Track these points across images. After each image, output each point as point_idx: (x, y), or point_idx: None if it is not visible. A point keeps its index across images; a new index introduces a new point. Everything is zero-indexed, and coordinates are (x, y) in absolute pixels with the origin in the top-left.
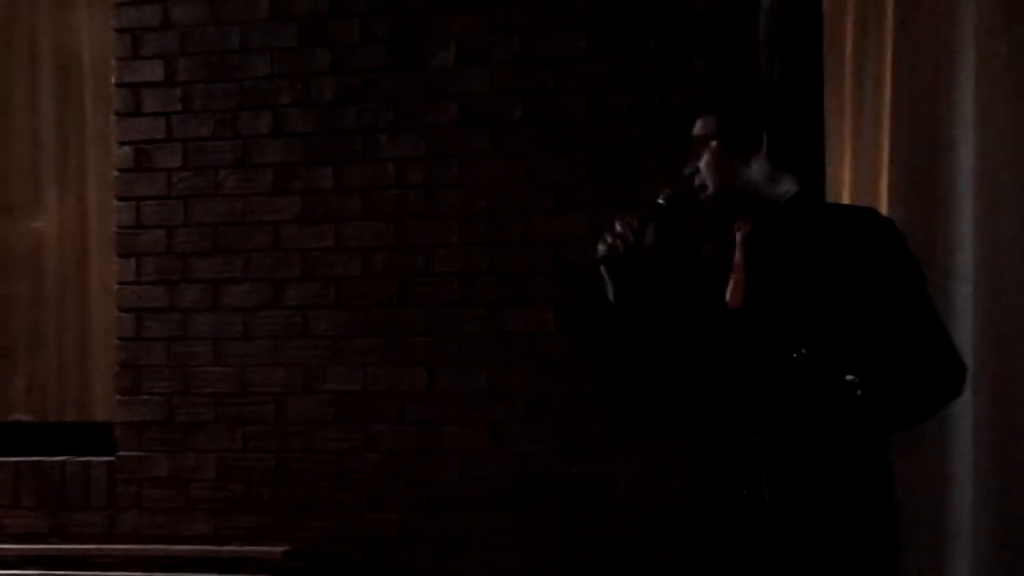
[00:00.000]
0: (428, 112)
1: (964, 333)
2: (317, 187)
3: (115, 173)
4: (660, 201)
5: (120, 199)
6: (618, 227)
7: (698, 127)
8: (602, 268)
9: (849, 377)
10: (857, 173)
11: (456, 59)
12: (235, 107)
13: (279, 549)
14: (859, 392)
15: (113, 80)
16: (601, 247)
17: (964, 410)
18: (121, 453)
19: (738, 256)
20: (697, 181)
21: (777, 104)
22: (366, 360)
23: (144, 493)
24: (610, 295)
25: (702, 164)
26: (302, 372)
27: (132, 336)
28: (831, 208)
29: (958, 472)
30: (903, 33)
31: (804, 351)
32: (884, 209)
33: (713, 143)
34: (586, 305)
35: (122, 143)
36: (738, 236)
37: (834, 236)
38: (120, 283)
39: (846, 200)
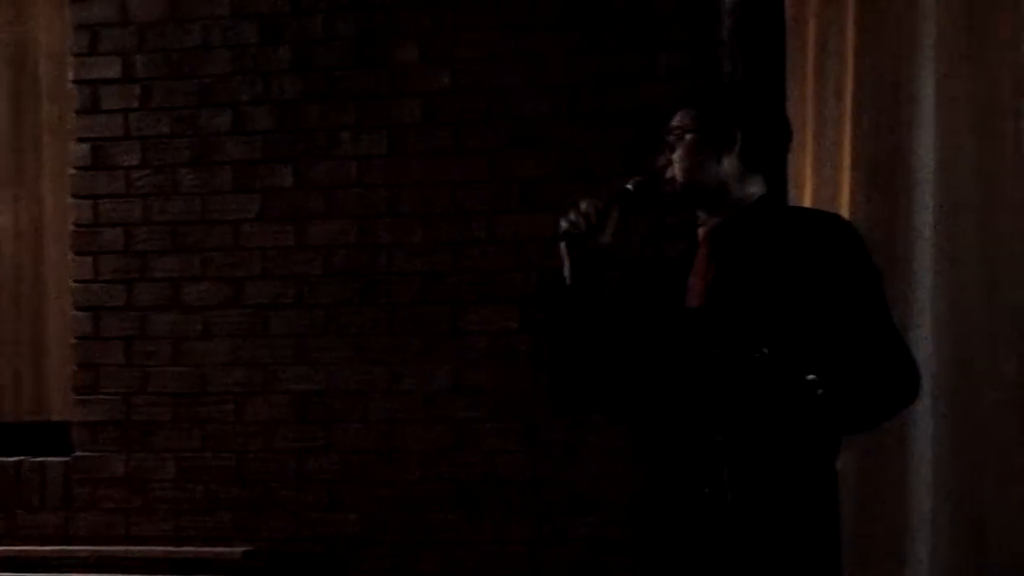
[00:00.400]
0: (391, 110)
1: (924, 331)
2: (278, 185)
3: (72, 171)
4: (628, 187)
5: (77, 197)
6: (582, 205)
7: (676, 119)
8: (562, 244)
9: (811, 377)
10: (819, 172)
11: (420, 57)
12: (195, 105)
13: (239, 550)
14: (820, 392)
15: (71, 77)
16: (563, 223)
17: (924, 410)
18: (78, 453)
19: (700, 254)
20: (669, 173)
21: (754, 106)
22: (327, 359)
23: (101, 494)
24: (566, 272)
25: (676, 156)
26: (262, 371)
27: (89, 335)
28: (796, 211)
29: (917, 472)
30: (864, 34)
31: (766, 351)
32: (845, 208)
33: (689, 136)
34: (543, 282)
35: (80, 140)
36: (700, 232)
37: (798, 239)
38: (77, 282)
39: (808, 199)
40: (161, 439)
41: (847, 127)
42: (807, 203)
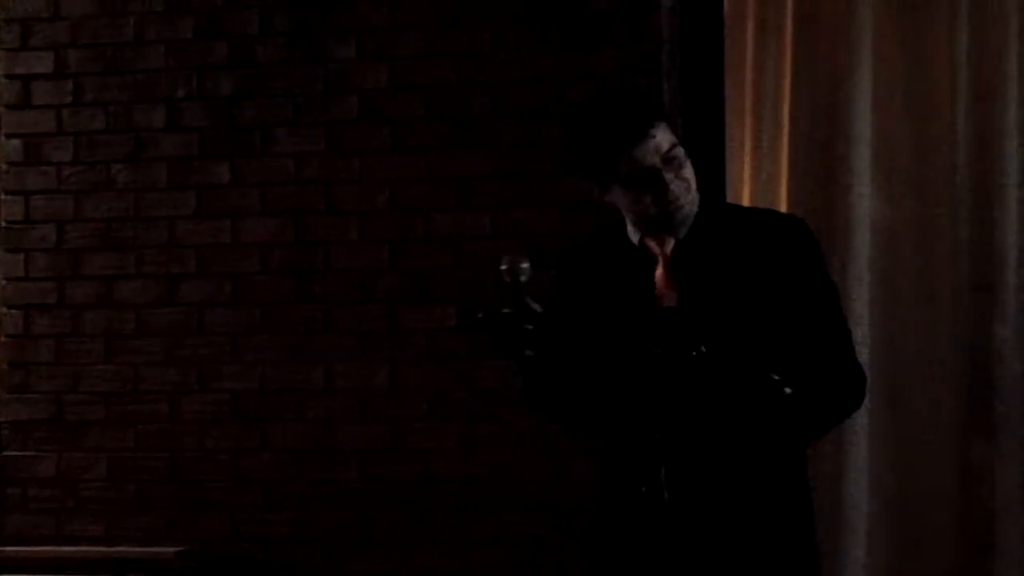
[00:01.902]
0: (328, 107)
1: (862, 328)
2: (214, 182)
3: (3, 166)
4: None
5: (8, 193)
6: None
7: (666, 140)
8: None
9: (775, 377)
10: (757, 167)
11: (357, 54)
12: (129, 100)
13: (171, 549)
14: (787, 391)
15: (1, 71)
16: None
17: (862, 409)
18: (7, 453)
19: (660, 268)
20: (684, 200)
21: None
22: (263, 358)
23: (31, 494)
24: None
25: (688, 175)
26: (197, 370)
27: (20, 333)
28: (755, 213)
29: (854, 469)
30: (802, 29)
31: (704, 349)
32: (783, 203)
33: (684, 154)
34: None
35: (10, 136)
36: (653, 245)
37: (761, 242)
38: (7, 279)
39: (746, 193)
40: (93, 438)
41: (785, 122)
42: (746, 198)
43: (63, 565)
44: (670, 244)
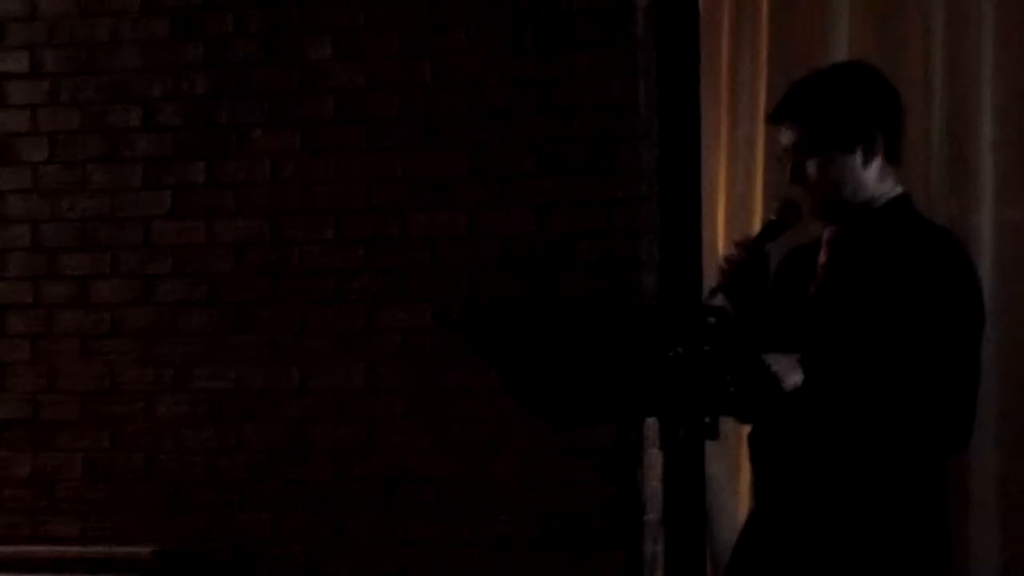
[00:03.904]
0: (304, 107)
1: None
2: (189, 182)
3: None
4: (773, 217)
5: None
6: (730, 254)
7: (786, 136)
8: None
9: (775, 369)
10: (732, 169)
11: (332, 54)
12: (104, 100)
13: (146, 549)
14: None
15: None
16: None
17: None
18: None
19: (822, 256)
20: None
21: (884, 95)
22: (239, 358)
23: (7, 493)
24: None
25: (811, 174)
26: (172, 370)
27: None
28: (913, 224)
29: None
30: (777, 30)
31: (680, 350)
32: (759, 197)
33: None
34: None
35: None
36: (826, 234)
37: (909, 254)
38: None
39: (721, 193)
40: (68, 438)
41: (760, 122)
42: (721, 191)
43: (38, 565)
44: (831, 232)
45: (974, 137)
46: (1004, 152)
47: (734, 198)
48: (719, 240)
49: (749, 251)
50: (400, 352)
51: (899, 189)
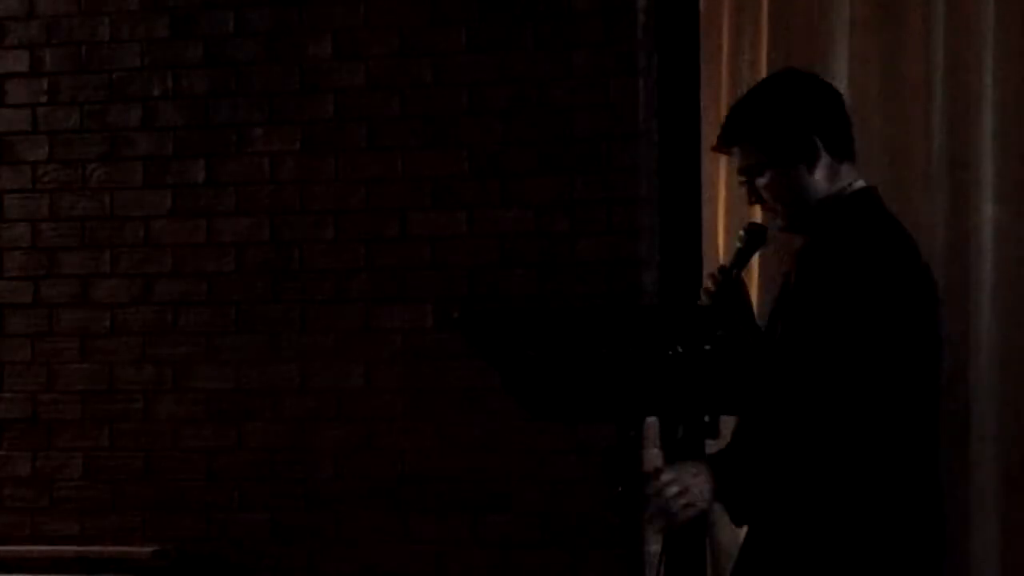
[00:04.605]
0: (304, 106)
1: None
2: (189, 181)
3: None
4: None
5: None
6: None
7: (740, 158)
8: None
9: (683, 502)
10: (731, 170)
11: (333, 53)
12: (104, 99)
13: (147, 549)
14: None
15: None
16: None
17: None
18: None
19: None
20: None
21: (817, 97)
22: (239, 357)
23: (7, 493)
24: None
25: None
26: (172, 369)
27: None
28: (860, 224)
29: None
30: (777, 30)
31: (680, 350)
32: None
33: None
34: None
35: None
36: (796, 244)
37: (826, 266)
38: None
39: (721, 197)
40: (68, 437)
41: None
42: (720, 193)
43: (37, 565)
44: (797, 242)
45: (974, 137)
46: (1004, 153)
47: (734, 198)
48: (719, 240)
49: (720, 283)
50: (400, 352)
51: (858, 184)
